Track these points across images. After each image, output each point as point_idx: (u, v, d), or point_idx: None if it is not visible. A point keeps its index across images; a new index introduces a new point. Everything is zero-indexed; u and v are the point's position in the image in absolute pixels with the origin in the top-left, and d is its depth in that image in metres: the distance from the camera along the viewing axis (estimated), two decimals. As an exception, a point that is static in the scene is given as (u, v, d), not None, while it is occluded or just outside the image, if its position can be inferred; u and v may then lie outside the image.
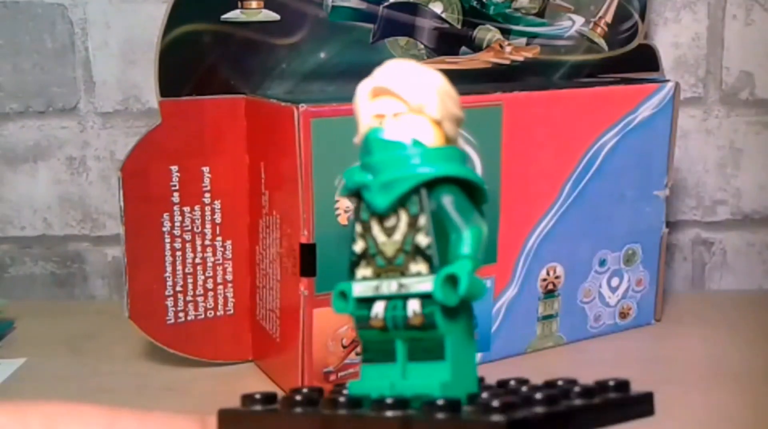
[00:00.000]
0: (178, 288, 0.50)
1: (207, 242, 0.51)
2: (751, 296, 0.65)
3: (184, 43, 0.48)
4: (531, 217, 0.52)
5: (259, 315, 0.51)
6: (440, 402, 0.19)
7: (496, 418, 0.18)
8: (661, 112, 0.55)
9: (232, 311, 0.52)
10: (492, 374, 0.54)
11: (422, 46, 0.53)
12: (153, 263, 0.49)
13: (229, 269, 0.51)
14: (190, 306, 0.51)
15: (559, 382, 0.22)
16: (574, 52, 0.58)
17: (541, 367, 0.52)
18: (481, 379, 0.23)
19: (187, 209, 0.50)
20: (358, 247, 0.23)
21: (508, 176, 0.50)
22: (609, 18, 0.58)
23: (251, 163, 0.50)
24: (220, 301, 0.51)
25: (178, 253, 0.50)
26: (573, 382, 0.22)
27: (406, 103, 0.22)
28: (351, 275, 0.23)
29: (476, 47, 0.55)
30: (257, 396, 0.22)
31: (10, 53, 0.63)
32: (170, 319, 0.50)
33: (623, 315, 0.57)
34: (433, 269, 0.21)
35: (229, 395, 0.23)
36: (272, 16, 0.49)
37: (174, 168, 0.49)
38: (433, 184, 0.22)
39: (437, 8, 0.53)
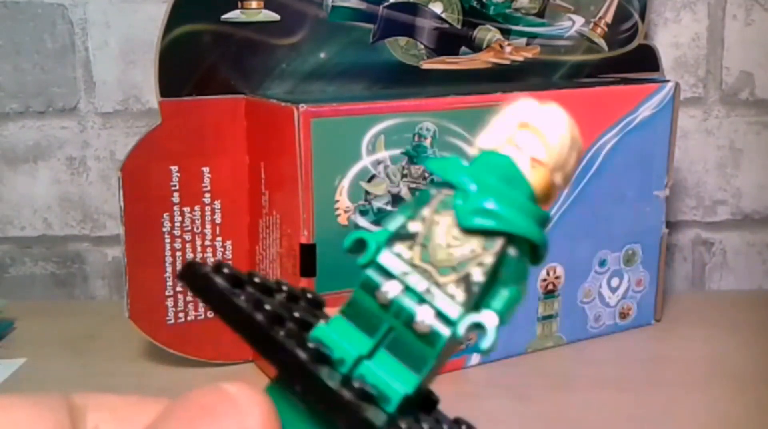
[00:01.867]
0: (178, 288, 0.50)
1: (207, 242, 0.51)
2: (751, 296, 0.65)
3: (184, 43, 0.48)
4: (531, 217, 0.52)
5: (259, 315, 0.51)
6: (404, 425, 0.19)
7: None
8: (661, 112, 0.55)
9: (232, 311, 0.52)
10: (492, 374, 0.54)
11: (422, 46, 0.53)
12: (153, 263, 0.49)
13: (229, 269, 0.51)
14: (190, 306, 0.51)
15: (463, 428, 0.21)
16: (574, 52, 0.58)
17: (541, 367, 0.52)
18: (433, 403, 0.22)
19: (187, 209, 0.50)
20: (414, 226, 0.22)
21: (508, 176, 0.50)
22: (609, 18, 0.58)
23: (251, 163, 0.50)
24: (220, 301, 0.51)
25: (178, 253, 0.50)
26: None
27: (550, 159, 0.22)
28: (389, 239, 0.22)
29: (476, 47, 0.55)
30: (226, 270, 0.21)
31: (10, 53, 0.63)
32: (170, 319, 0.50)
33: (623, 315, 0.57)
34: (467, 304, 0.21)
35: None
36: (272, 16, 0.49)
37: (174, 168, 0.49)
38: (514, 236, 0.21)
39: (437, 8, 0.53)
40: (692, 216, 0.68)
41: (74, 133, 0.65)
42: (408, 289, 0.21)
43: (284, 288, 0.22)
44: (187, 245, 0.50)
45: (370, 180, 0.46)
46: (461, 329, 0.20)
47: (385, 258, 0.22)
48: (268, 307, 0.20)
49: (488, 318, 0.20)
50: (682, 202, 0.68)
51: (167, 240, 0.49)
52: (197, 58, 0.49)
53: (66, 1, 0.63)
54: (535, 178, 0.22)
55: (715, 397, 0.47)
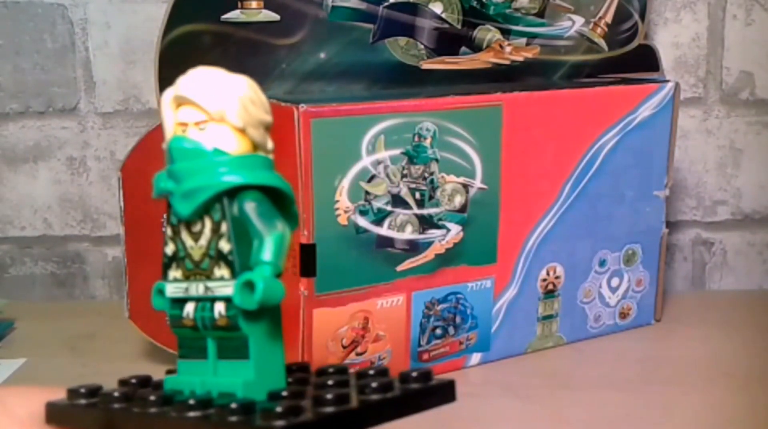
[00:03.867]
0: (178, 288, 0.50)
1: (207, 242, 0.51)
2: (751, 296, 0.65)
3: (184, 43, 0.48)
4: (531, 217, 0.52)
5: (259, 315, 0.51)
6: (234, 405, 0.20)
7: (278, 423, 0.20)
8: (661, 112, 0.55)
9: (232, 311, 0.52)
10: (492, 375, 0.54)
11: (422, 46, 0.53)
12: (153, 263, 0.49)
13: (229, 269, 0.51)
14: (190, 306, 0.51)
15: (371, 372, 0.23)
16: (574, 52, 0.58)
17: (541, 367, 0.52)
18: (304, 367, 0.25)
19: (187, 209, 0.50)
20: (169, 249, 0.24)
21: (508, 176, 0.50)
22: (609, 18, 0.58)
23: (251, 163, 0.50)
24: (220, 301, 0.51)
25: (178, 253, 0.50)
26: (382, 374, 0.23)
27: (206, 112, 0.23)
28: (164, 275, 0.24)
29: (476, 47, 0.55)
30: (82, 390, 0.24)
31: (10, 53, 0.63)
32: (170, 319, 0.50)
33: (623, 315, 0.57)
34: (234, 274, 0.22)
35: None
36: (272, 16, 0.49)
37: (174, 168, 0.49)
38: (235, 192, 0.23)
39: (437, 8, 0.53)
40: (692, 216, 0.68)
41: (74, 133, 0.65)
42: (197, 300, 0.23)
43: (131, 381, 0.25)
44: (187, 245, 0.50)
45: (370, 180, 0.46)
46: (237, 297, 0.22)
47: (169, 290, 0.24)
48: (117, 394, 0.23)
49: (256, 272, 0.22)
50: (682, 202, 0.68)
51: (167, 240, 0.49)
52: (197, 58, 0.48)
53: (66, 1, 0.63)
54: (222, 135, 0.23)
55: (714, 397, 0.47)
